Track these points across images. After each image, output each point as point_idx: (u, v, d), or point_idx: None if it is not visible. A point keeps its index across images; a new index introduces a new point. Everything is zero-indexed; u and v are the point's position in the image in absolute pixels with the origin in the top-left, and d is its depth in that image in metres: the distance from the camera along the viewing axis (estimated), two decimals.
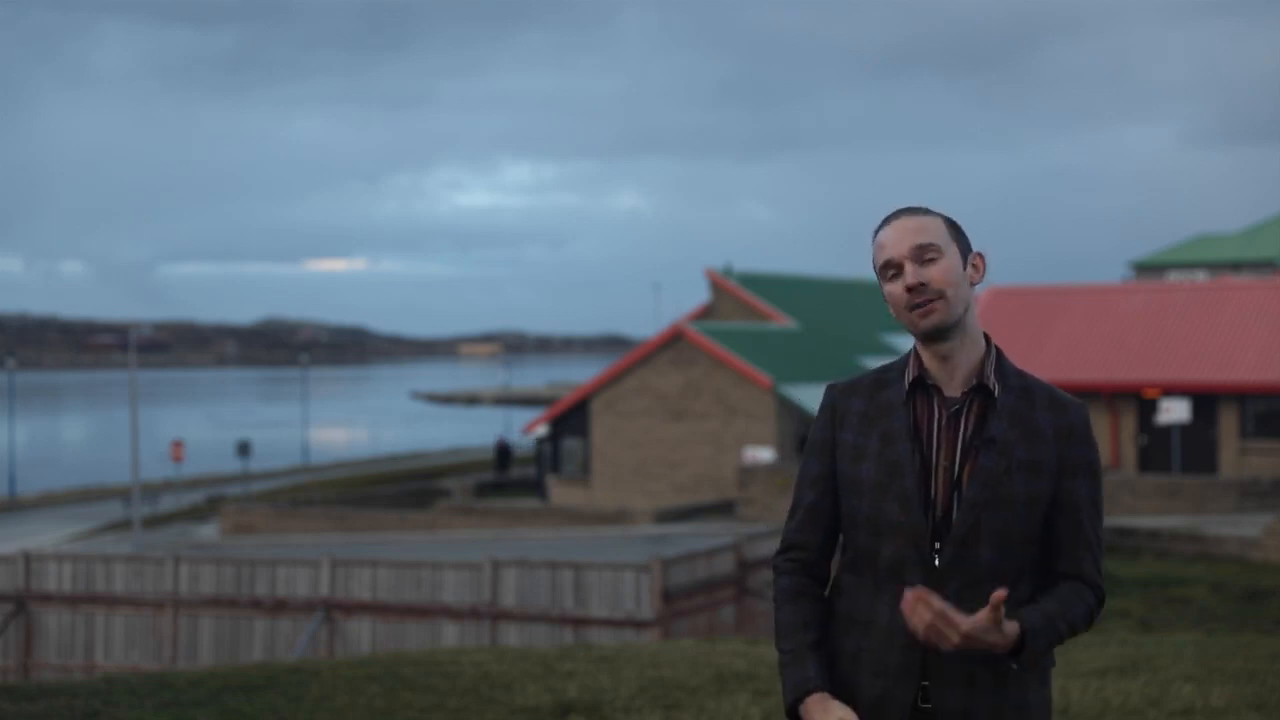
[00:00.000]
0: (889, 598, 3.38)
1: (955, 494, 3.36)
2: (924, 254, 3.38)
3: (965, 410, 3.41)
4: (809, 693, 3.37)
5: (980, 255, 3.49)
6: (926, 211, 3.46)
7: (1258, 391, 40.16)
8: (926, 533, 3.35)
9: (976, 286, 3.48)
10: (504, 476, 55.76)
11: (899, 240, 3.41)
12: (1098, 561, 3.43)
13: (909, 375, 3.45)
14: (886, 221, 3.47)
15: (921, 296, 3.36)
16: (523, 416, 77.40)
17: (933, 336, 3.40)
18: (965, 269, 3.43)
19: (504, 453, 58.61)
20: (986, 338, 3.49)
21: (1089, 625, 3.41)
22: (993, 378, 3.43)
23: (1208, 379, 40.39)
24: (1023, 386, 3.45)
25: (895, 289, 3.40)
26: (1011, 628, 3.25)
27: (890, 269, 3.41)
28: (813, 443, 3.54)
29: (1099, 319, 43.76)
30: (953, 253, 3.41)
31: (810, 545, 3.50)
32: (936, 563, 3.35)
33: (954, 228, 3.46)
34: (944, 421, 3.41)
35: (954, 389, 3.43)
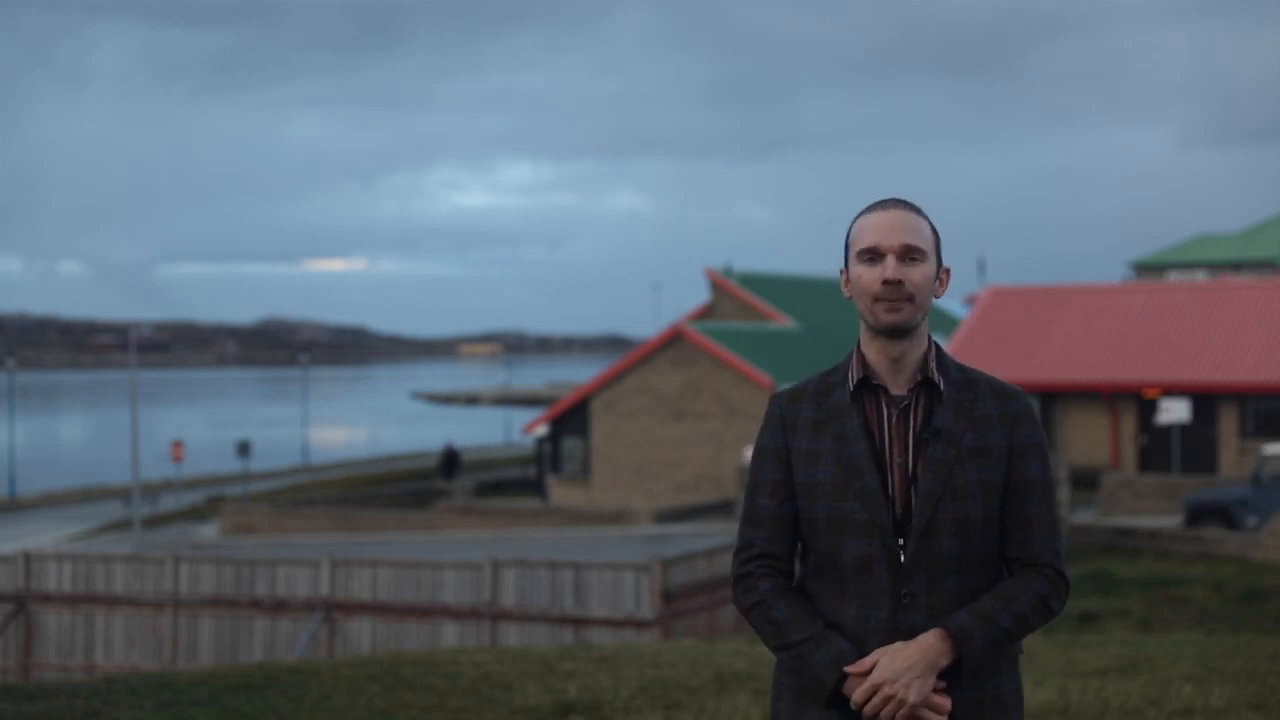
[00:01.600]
0: (855, 598, 3.40)
1: (912, 489, 3.39)
2: (910, 254, 3.42)
3: (913, 406, 3.45)
4: (850, 663, 3.37)
5: (948, 270, 3.54)
6: (919, 211, 3.49)
7: (1258, 391, 40.16)
8: (891, 529, 3.38)
9: (938, 299, 3.53)
10: (449, 484, 52.70)
11: (891, 232, 3.42)
12: (1051, 542, 3.44)
13: (854, 377, 3.47)
14: (880, 206, 3.48)
15: (895, 293, 3.39)
16: (523, 416, 77.38)
17: (889, 334, 3.43)
18: (935, 280, 3.48)
19: (451, 458, 55.90)
20: (927, 334, 3.53)
21: (1047, 613, 3.41)
22: (936, 372, 3.46)
23: (1208, 379, 40.40)
24: (964, 379, 3.49)
25: (870, 275, 3.42)
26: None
27: (870, 254, 3.43)
28: (764, 451, 3.54)
29: (1099, 319, 43.76)
30: (931, 261, 3.46)
31: (780, 553, 3.50)
32: (902, 558, 3.37)
33: (937, 237, 3.52)
34: (894, 419, 3.44)
35: (900, 387, 3.47)
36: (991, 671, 3.39)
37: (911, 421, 3.43)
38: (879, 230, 3.43)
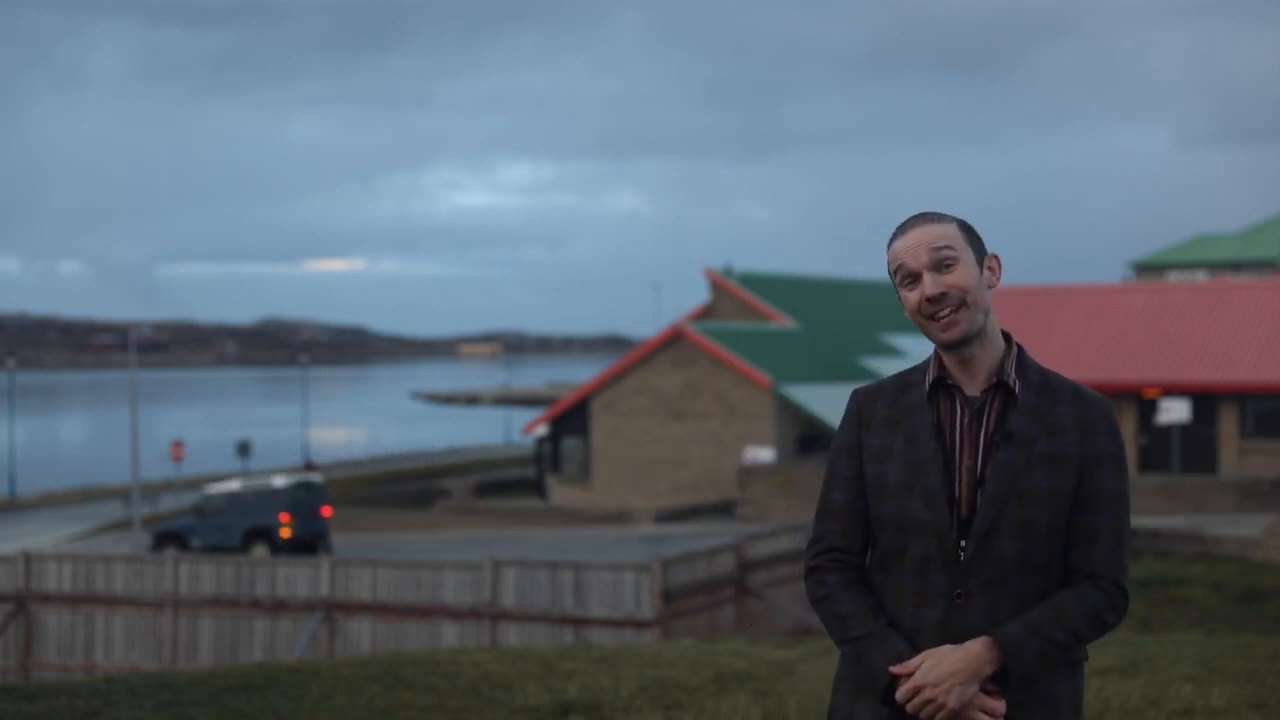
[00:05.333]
0: (913, 595, 3.41)
1: (979, 491, 3.38)
2: (941, 261, 3.39)
3: (986, 408, 3.44)
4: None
5: (996, 257, 3.50)
6: (940, 218, 3.46)
7: (1258, 391, 40.16)
8: (951, 530, 3.37)
9: (993, 289, 3.48)
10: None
11: (915, 250, 3.41)
12: (1115, 554, 3.40)
13: (930, 376, 3.47)
14: (901, 230, 3.47)
15: (942, 305, 3.38)
16: (523, 416, 77.38)
17: (954, 345, 3.42)
18: (982, 272, 3.44)
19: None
20: (1007, 336, 3.50)
21: (1101, 627, 3.40)
22: (1013, 375, 3.44)
23: (1208, 379, 40.40)
24: (1044, 383, 3.47)
25: (913, 297, 3.41)
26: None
27: (907, 279, 3.42)
28: (839, 446, 3.56)
29: (1099, 319, 43.76)
30: (969, 257, 3.42)
31: (852, 548, 3.51)
32: (960, 559, 3.37)
33: (969, 232, 3.47)
34: (966, 420, 3.43)
35: (975, 388, 3.45)
36: (1043, 675, 3.38)
37: (984, 423, 3.42)
38: (905, 254, 3.42)
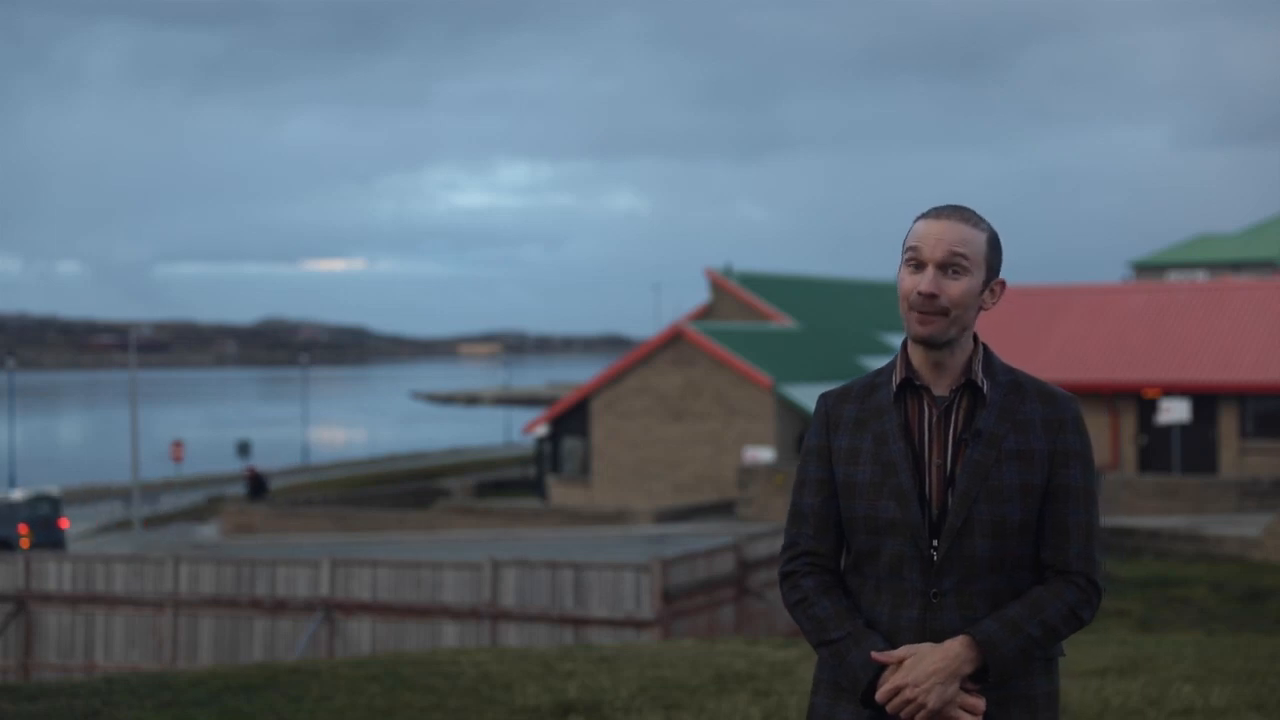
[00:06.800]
0: (889, 596, 3.42)
1: (949, 489, 3.39)
2: (952, 266, 3.40)
3: (954, 407, 3.45)
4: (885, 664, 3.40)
5: (1002, 283, 3.50)
6: (977, 223, 3.46)
7: (1258, 391, 40.15)
8: (924, 529, 3.38)
9: (985, 311, 3.49)
10: (255, 504, 49.70)
11: (937, 242, 3.41)
12: (1087, 549, 3.42)
13: (897, 377, 3.48)
14: (934, 215, 3.46)
15: (928, 306, 3.39)
16: (523, 416, 77.31)
17: (924, 343, 3.43)
18: (983, 293, 3.45)
19: (257, 482, 53.36)
20: (974, 336, 3.51)
21: (1076, 622, 3.40)
22: (980, 374, 3.46)
23: (1208, 379, 40.39)
24: (1012, 381, 3.48)
25: (910, 281, 3.42)
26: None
27: (914, 260, 3.43)
28: (809, 449, 3.57)
29: (1099, 319, 43.76)
30: (978, 275, 3.43)
31: (824, 550, 3.53)
32: (934, 558, 3.38)
33: (994, 248, 3.48)
34: (934, 420, 3.44)
35: (942, 388, 3.47)
36: (1022, 672, 3.40)
37: (952, 422, 3.44)
38: (925, 238, 3.42)
